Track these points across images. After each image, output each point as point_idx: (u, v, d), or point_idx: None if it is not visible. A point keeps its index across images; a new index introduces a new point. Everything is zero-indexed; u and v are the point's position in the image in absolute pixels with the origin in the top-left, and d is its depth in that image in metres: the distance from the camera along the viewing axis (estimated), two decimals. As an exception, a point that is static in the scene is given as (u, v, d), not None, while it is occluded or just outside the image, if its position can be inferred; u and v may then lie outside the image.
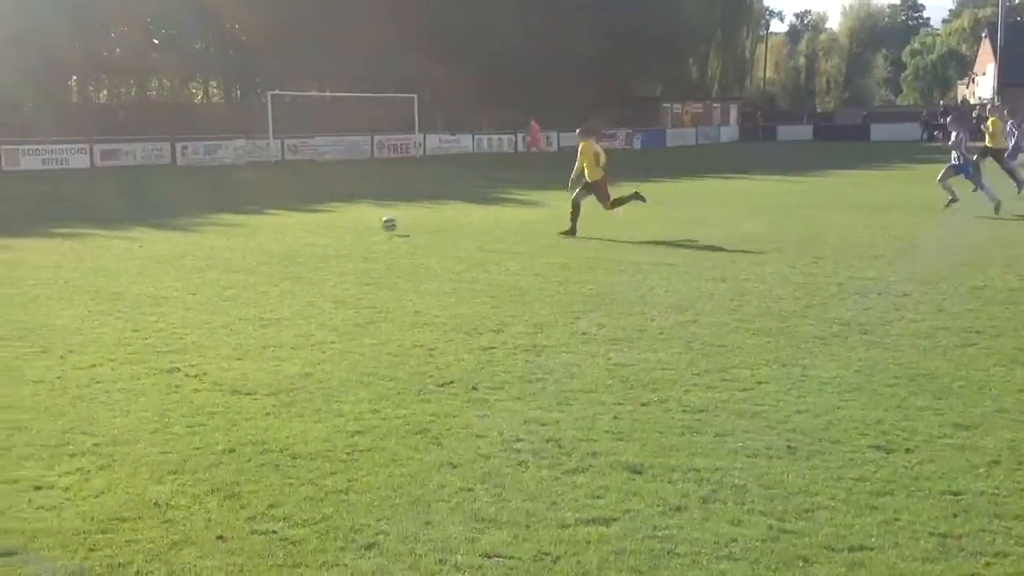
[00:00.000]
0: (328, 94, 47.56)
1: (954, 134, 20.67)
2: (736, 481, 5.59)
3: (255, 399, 7.39)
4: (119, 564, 4.67)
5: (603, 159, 17.57)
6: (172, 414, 7.02)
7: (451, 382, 7.80)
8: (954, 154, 20.73)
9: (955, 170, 20.77)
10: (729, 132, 69.95)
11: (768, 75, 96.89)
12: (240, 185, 31.01)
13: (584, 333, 9.46)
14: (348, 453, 6.19)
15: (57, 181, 32.03)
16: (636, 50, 60.95)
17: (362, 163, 44.22)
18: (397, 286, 12.30)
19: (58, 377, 7.98)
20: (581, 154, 17.41)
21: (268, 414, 7.02)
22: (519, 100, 54.79)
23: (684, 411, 6.92)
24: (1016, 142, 24.40)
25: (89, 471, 5.87)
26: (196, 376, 8.05)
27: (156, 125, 43.16)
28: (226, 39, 47.82)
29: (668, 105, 68.28)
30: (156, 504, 5.38)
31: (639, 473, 5.74)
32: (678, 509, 5.21)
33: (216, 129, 44.49)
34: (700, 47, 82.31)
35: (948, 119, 24.17)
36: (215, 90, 57.00)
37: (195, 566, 4.67)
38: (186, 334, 9.60)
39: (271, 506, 5.36)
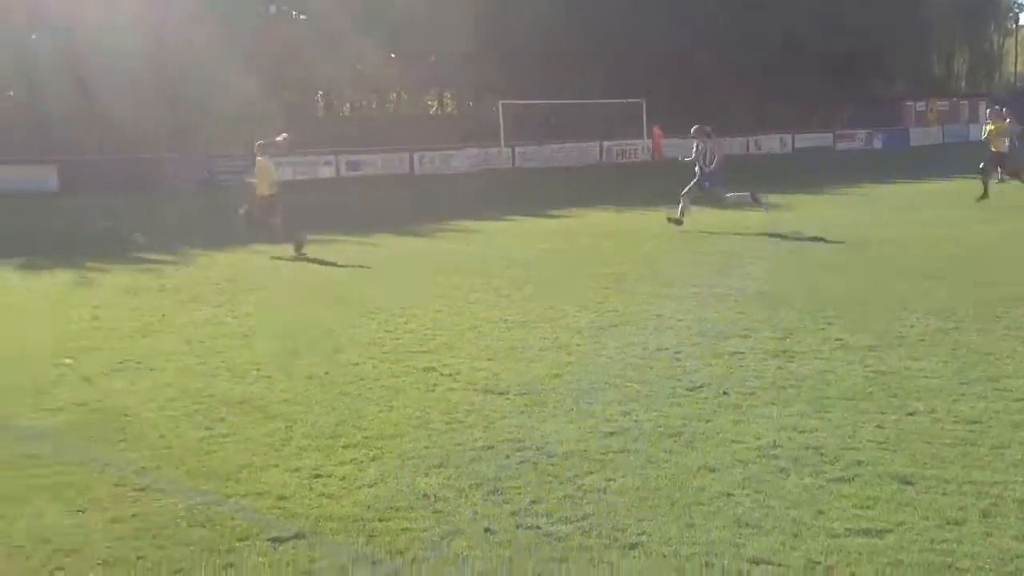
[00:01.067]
0: (557, 101, 48.19)
1: None
2: (1019, 495, 5.29)
3: (507, 399, 7.60)
4: (397, 551, 4.93)
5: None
6: (431, 411, 7.32)
7: (700, 386, 7.76)
8: None
9: None
10: (978, 130, 65.79)
11: (1019, 70, 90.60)
12: (475, 192, 31.90)
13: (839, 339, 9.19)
14: (603, 454, 6.27)
15: (306, 191, 34.00)
16: (874, 47, 58.43)
17: (591, 168, 44.55)
18: (637, 290, 12.34)
19: (326, 373, 8.47)
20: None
21: (521, 413, 7.21)
22: (750, 101, 53.74)
23: (955, 422, 6.59)
24: None
25: (362, 462, 6.22)
26: (450, 375, 8.35)
27: (395, 136, 45.06)
28: (459, 51, 49.27)
29: (911, 103, 65.08)
30: (425, 496, 5.63)
31: (910, 484, 5.53)
32: (956, 523, 4.98)
33: (450, 139, 46.01)
34: (943, 43, 78.07)
35: None
36: (449, 101, 58.90)
37: (467, 556, 4.86)
38: (437, 335, 9.97)
39: (533, 502, 5.51)
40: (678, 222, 19.16)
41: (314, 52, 44.24)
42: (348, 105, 55.50)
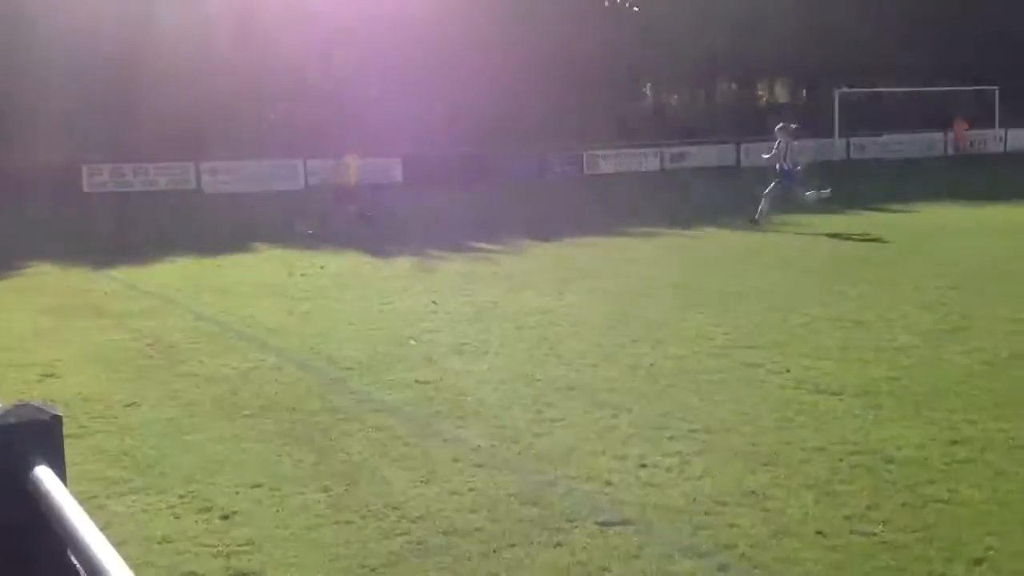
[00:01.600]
0: (899, 90, 45.61)
1: None
2: None
3: (841, 400, 7.33)
4: (724, 545, 4.90)
5: None
6: (759, 408, 7.19)
7: (1061, 398, 7.12)
8: None
9: None
10: None
11: None
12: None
13: None
14: (946, 463, 5.91)
15: (633, 182, 34.41)
16: None
17: (936, 161, 41.85)
18: (984, 291, 11.49)
19: (651, 364, 8.54)
20: None
21: (856, 416, 6.93)
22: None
23: None
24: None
25: (688, 455, 6.22)
26: (779, 373, 8.17)
27: (721, 127, 44.50)
28: (794, 38, 47.82)
29: None
30: (753, 493, 5.55)
31: None
32: None
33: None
34: None
35: None
36: (780, 90, 57.37)
37: (796, 557, 4.75)
38: (766, 332, 9.77)
39: (869, 508, 5.29)
40: (754, 222, 19.09)
41: (643, 45, 44.55)
42: (676, 97, 55.43)
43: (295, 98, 39.28)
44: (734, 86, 54.42)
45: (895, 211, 21.40)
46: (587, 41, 40.88)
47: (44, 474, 1.91)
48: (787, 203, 20.01)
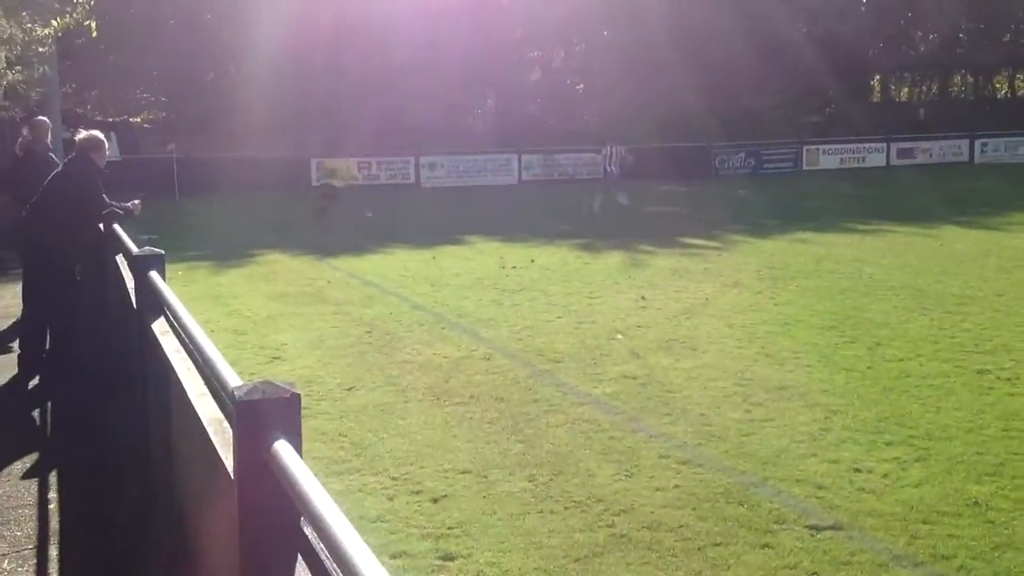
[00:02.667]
0: None
1: None
2: None
3: (1078, 411, 6.84)
4: (942, 556, 4.68)
5: None
6: (985, 416, 6.82)
7: None
8: None
9: None
10: None
11: None
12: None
13: None
14: None
15: (855, 178, 33.12)
16: None
17: None
18: None
19: (868, 367, 8.22)
20: None
21: (1095, 429, 6.45)
22: None
23: None
24: None
25: (905, 461, 5.96)
26: (1008, 379, 7.71)
27: (955, 121, 42.21)
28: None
29: None
30: (976, 503, 5.27)
31: None
32: None
33: (1018, 125, 42.06)
34: None
35: None
36: (1021, 84, 53.79)
37: (1020, 572, 4.49)
38: (995, 335, 9.23)
39: (1108, 528, 4.92)
40: None
41: (870, 35, 42.77)
42: (906, 90, 52.92)
43: (510, 93, 39.96)
44: (970, 78, 51.39)
45: None
46: (808, 33, 39.65)
47: (284, 449, 2.03)
48: None
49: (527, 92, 41.16)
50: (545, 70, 42.39)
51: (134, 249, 5.54)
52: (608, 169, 24.04)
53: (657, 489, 5.59)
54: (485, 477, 5.80)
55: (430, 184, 33.56)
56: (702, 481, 5.71)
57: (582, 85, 42.11)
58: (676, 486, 5.63)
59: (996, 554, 4.66)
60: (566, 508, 5.34)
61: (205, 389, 3.17)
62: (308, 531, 2.07)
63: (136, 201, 8.59)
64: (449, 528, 5.07)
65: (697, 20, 37.77)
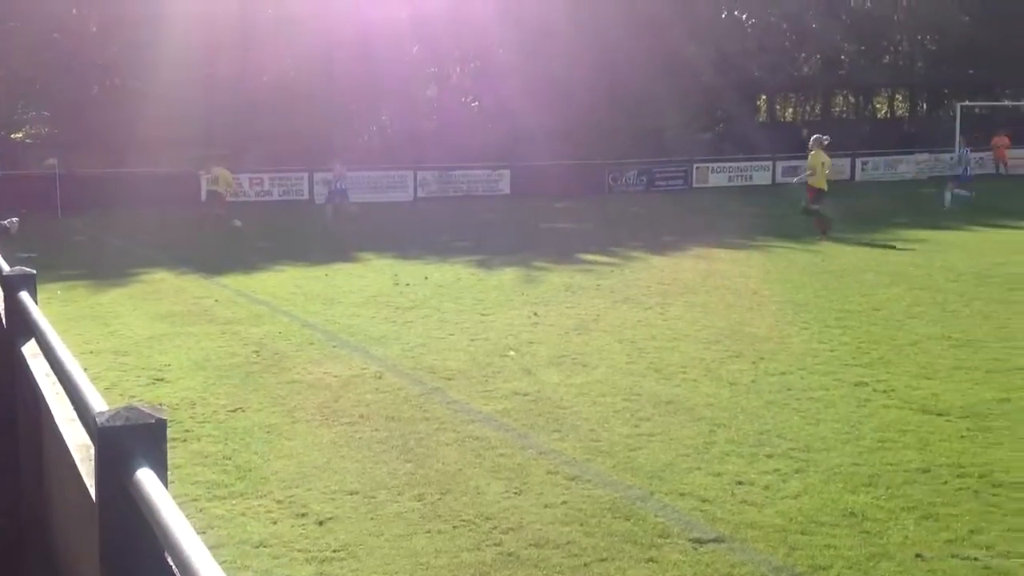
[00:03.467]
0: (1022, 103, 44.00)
1: None
2: None
3: (948, 421, 7.13)
4: (819, 567, 4.81)
5: None
6: (862, 427, 7.04)
7: None
8: None
9: None
10: None
11: None
12: (922, 200, 29.99)
13: None
14: (1060, 489, 5.69)
15: (743, 195, 33.88)
16: None
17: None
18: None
19: (752, 381, 8.42)
20: None
21: (963, 437, 6.73)
22: None
23: None
24: None
25: (785, 473, 6.12)
26: (884, 392, 7.98)
27: (837, 140, 43.55)
28: (915, 51, 46.62)
29: None
30: (852, 514, 5.44)
31: None
32: None
33: (896, 144, 43.66)
34: None
35: None
36: (900, 104, 55.87)
37: (893, 581, 4.64)
38: (872, 349, 9.55)
39: (972, 532, 5.13)
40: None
41: (757, 57, 43.92)
42: (790, 110, 54.45)
43: (406, 109, 39.88)
44: (851, 98, 53.16)
45: (1016, 227, 20.62)
46: (700, 53, 40.52)
47: (146, 477, 1.98)
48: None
49: (423, 109, 41.12)
50: (441, 87, 42.43)
51: (4, 268, 5.34)
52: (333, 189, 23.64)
53: (545, 506, 5.62)
54: (373, 498, 5.75)
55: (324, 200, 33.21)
56: (590, 497, 5.76)
57: (477, 103, 42.29)
58: (564, 502, 5.67)
59: (871, 564, 4.82)
60: (454, 527, 5.33)
61: (74, 414, 3.07)
62: (171, 562, 2.02)
63: (13, 219, 8.31)
64: (334, 551, 5.01)
65: (593, 40, 38.26)
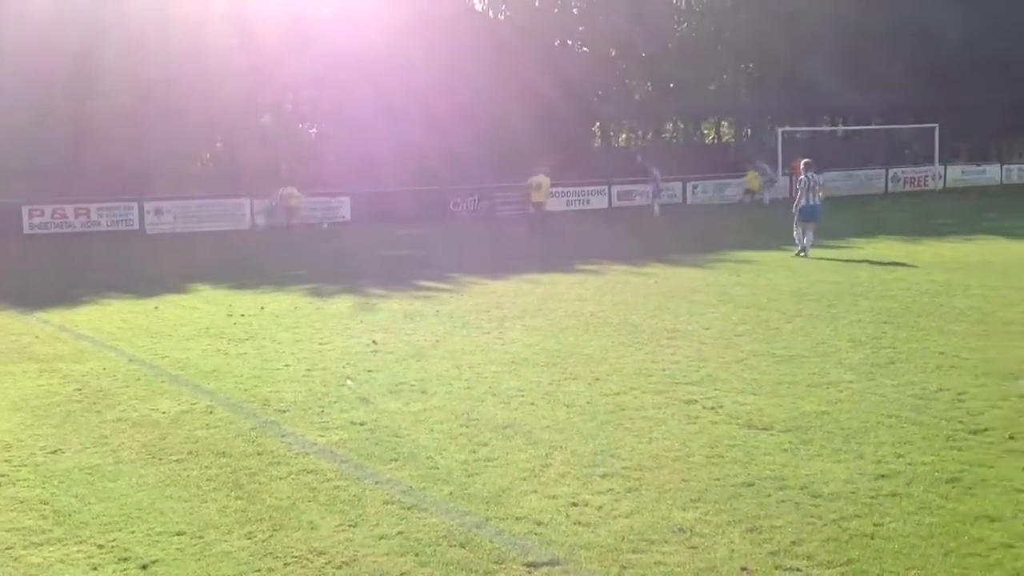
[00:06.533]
0: (840, 128, 46.51)
1: None
2: None
3: (772, 435, 7.39)
4: (649, 584, 4.89)
5: None
6: (692, 444, 7.23)
7: (985, 430, 7.25)
8: None
9: None
10: None
11: None
12: (748, 223, 31.26)
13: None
14: (872, 497, 5.97)
15: (581, 219, 34.56)
16: None
17: (876, 198, 42.56)
18: (918, 325, 11.68)
19: (587, 402, 8.55)
20: None
21: (785, 450, 6.99)
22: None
23: None
24: None
25: (619, 492, 6.22)
26: (712, 408, 8.22)
27: (668, 166, 44.96)
28: (739, 79, 48.71)
29: None
30: (681, 530, 5.56)
31: None
32: None
33: (725, 167, 45.43)
34: None
35: None
36: (726, 130, 58.22)
37: (720, 595, 4.76)
38: (702, 367, 9.84)
39: (794, 543, 5.32)
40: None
41: (593, 84, 45.03)
42: (624, 136, 56.03)
43: (241, 137, 39.09)
44: (681, 124, 55.11)
45: (833, 247, 21.67)
46: (539, 81, 41.22)
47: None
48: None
49: (258, 136, 40.38)
50: (276, 115, 41.81)
51: None
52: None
53: (381, 537, 5.55)
54: (201, 538, 5.56)
55: (156, 230, 32.23)
56: (426, 525, 5.72)
57: (315, 129, 41.84)
58: (400, 532, 5.61)
59: (698, 578, 4.93)
60: (286, 565, 5.20)
61: None
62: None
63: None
64: (159, 595, 4.81)
65: (439, 66, 38.41)
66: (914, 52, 45.28)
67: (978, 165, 48.01)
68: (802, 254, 20.05)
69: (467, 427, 7.81)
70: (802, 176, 21.17)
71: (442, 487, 6.41)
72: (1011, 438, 6.98)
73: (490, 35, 40.59)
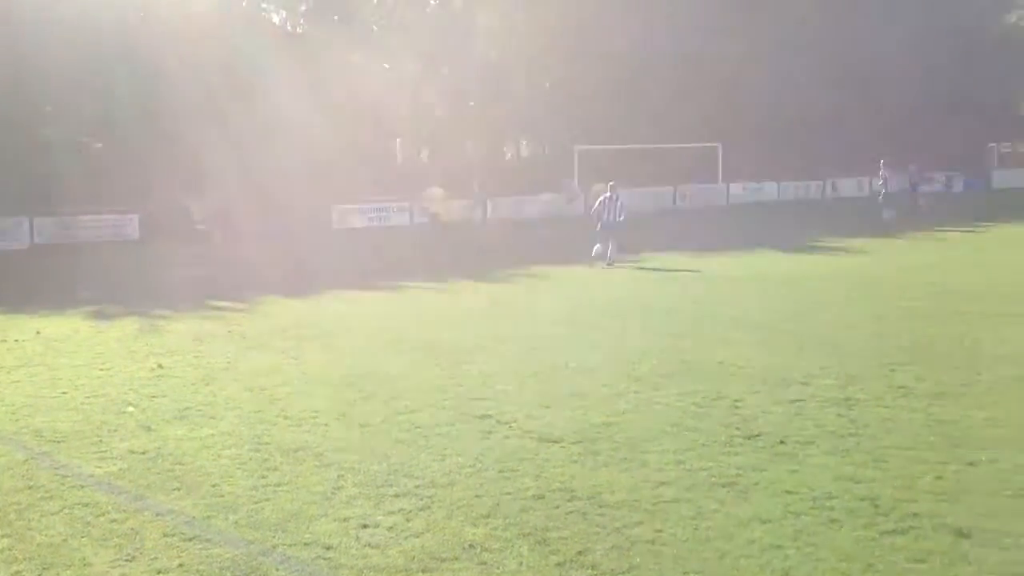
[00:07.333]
0: (632, 146, 48.18)
1: None
2: (1080, 552, 5.08)
3: (562, 447, 7.55)
4: (437, 602, 4.89)
5: None
6: (485, 459, 7.30)
7: (758, 435, 7.63)
8: None
9: None
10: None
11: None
12: (547, 239, 31.92)
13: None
14: (654, 504, 6.19)
15: (382, 237, 34.38)
16: (960, 89, 57.23)
17: (665, 214, 44.28)
18: (701, 335, 12.20)
19: (383, 421, 8.50)
20: None
21: (574, 462, 7.15)
22: (822, 147, 52.95)
23: (1018, 472, 6.37)
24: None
25: (410, 512, 6.21)
26: (506, 423, 8.33)
27: (468, 183, 45.36)
28: (537, 97, 49.64)
29: (994, 145, 63.49)
30: (472, 546, 5.60)
31: (967, 536, 5.35)
32: (1013, 579, 4.80)
33: (524, 185, 46.20)
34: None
35: None
36: (525, 147, 59.24)
37: (506, 609, 4.81)
38: (496, 382, 9.95)
39: (580, 553, 5.44)
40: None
41: (395, 99, 44.92)
42: (426, 152, 56.14)
43: (16, 152, 36.87)
44: (482, 143, 55.73)
45: (628, 261, 22.38)
46: (347, 98, 40.82)
47: None
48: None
49: (39, 150, 38.17)
50: (58, 127, 39.65)
51: None
52: None
53: (159, 571, 5.34)
54: (-40, 582, 5.19)
55: (-77, 251, 29.96)
56: (208, 556, 5.53)
57: (101, 144, 39.95)
58: (180, 565, 5.41)
59: (485, 593, 4.97)
60: (55, 605, 4.92)
61: None
62: None
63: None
64: (-92, 648, 4.45)
65: (243, 82, 37.38)
66: (694, 77, 47.51)
67: (758, 183, 50.73)
68: (605, 265, 21.24)
69: (257, 452, 7.62)
70: (605, 193, 22.78)
71: (228, 515, 6.22)
72: (781, 442, 7.38)
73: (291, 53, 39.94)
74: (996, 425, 7.55)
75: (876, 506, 5.90)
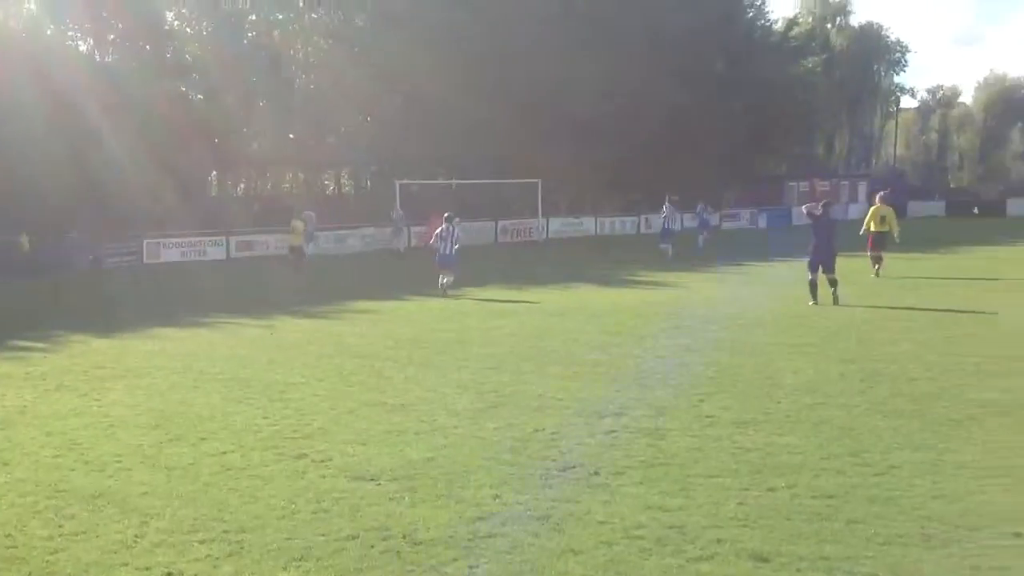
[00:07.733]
0: (454, 181, 48.59)
1: None
2: (867, 570, 5.37)
3: (378, 485, 7.47)
4: (243, 651, 4.73)
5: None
6: (298, 500, 7.14)
7: (573, 467, 7.76)
8: None
9: None
10: (858, 210, 68.02)
11: (899, 151, 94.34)
12: (370, 273, 31.73)
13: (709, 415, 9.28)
14: (470, 539, 6.19)
15: (198, 271, 33.36)
16: (761, 129, 60.57)
17: (486, 248, 44.75)
18: (520, 369, 12.34)
19: (191, 464, 8.21)
20: None
21: (391, 500, 7.08)
22: (644, 182, 54.85)
23: (813, 497, 6.71)
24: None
25: (218, 558, 6.00)
26: (322, 462, 8.19)
27: (286, 216, 44.63)
28: (358, 131, 49.47)
29: (794, 183, 67.32)
30: (279, 591, 5.46)
31: (766, 561, 5.58)
32: (808, 601, 5.02)
33: (346, 219, 45.82)
34: (827, 124, 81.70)
35: None
36: (346, 181, 58.81)
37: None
38: (313, 420, 9.78)
39: (393, 595, 5.38)
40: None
41: (210, 132, 43.84)
42: (242, 185, 54.93)
43: None
44: (301, 175, 55.01)
45: (448, 296, 22.47)
46: (160, 129, 39.47)
47: None
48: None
49: None
50: None
51: None
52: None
53: (-61, 632, 4.96)
54: None
55: None
56: (-6, 614, 5.19)
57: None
58: (-38, 625, 5.05)
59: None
60: None
61: None
62: None
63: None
64: None
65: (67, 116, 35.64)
66: (516, 115, 48.36)
67: (576, 218, 52.02)
68: (444, 295, 21.96)
69: (53, 499, 7.23)
70: (442, 226, 23.51)
71: (20, 567, 5.88)
72: (595, 473, 7.52)
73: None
74: (793, 451, 7.93)
75: (683, 533, 6.08)
